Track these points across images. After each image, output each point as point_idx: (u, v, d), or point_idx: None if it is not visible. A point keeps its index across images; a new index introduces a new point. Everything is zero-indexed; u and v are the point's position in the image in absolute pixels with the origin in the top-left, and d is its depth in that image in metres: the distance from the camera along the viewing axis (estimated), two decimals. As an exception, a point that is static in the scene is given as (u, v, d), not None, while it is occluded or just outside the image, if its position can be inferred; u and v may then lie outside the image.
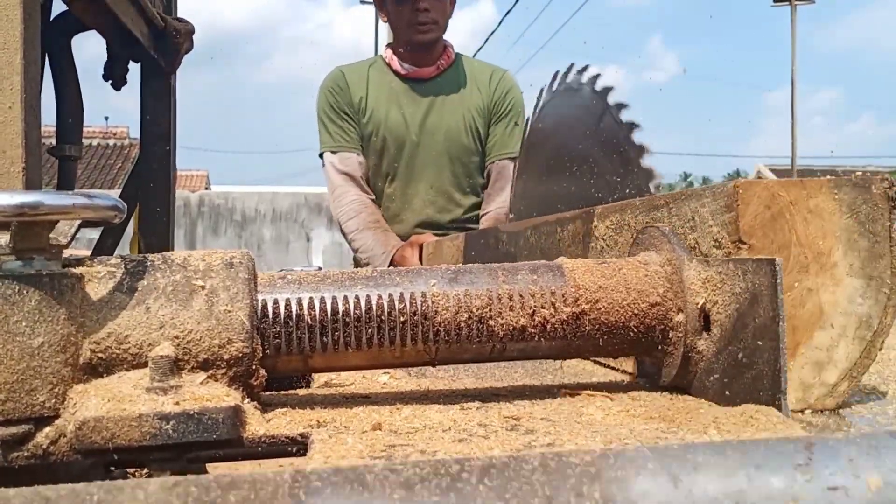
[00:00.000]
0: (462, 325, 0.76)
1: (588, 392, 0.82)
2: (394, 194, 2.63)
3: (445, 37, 2.65)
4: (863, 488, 0.45)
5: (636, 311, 0.79)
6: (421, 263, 2.36)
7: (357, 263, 2.71)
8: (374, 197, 2.64)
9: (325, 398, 0.83)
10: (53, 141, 1.71)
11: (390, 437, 0.64)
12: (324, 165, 2.65)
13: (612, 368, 1.04)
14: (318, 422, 0.70)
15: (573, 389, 0.83)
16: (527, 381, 0.94)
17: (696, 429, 0.66)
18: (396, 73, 2.61)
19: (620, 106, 1.42)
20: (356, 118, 2.59)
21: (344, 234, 2.65)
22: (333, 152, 2.59)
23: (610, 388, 0.85)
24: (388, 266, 2.45)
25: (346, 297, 0.75)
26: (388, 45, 2.70)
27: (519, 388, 0.89)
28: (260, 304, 0.73)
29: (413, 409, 0.75)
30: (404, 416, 0.72)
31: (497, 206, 2.56)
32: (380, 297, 0.76)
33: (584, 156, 1.54)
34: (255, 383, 0.71)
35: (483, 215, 2.64)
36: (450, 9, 2.63)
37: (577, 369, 1.06)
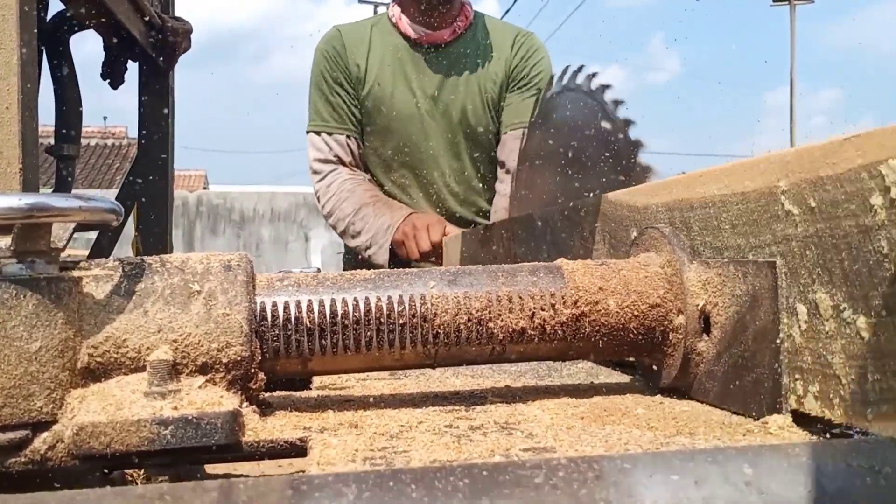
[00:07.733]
0: (461, 327, 0.76)
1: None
2: (401, 182, 2.20)
3: None
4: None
5: (636, 313, 0.79)
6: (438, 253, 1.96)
7: (349, 264, 2.30)
8: (370, 178, 2.24)
9: (325, 400, 0.83)
10: (51, 140, 1.71)
11: (388, 440, 0.64)
12: (308, 146, 2.23)
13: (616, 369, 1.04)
14: (317, 425, 0.70)
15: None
16: (530, 382, 0.94)
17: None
18: (406, 36, 2.16)
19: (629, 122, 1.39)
20: (353, 89, 2.17)
21: (338, 226, 2.18)
22: (318, 133, 2.19)
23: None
24: (393, 239, 2.02)
25: (344, 300, 0.75)
26: (395, 2, 2.24)
27: (518, 389, 0.88)
28: (258, 307, 0.73)
29: (412, 412, 0.75)
30: (404, 418, 0.72)
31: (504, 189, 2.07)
32: (378, 299, 0.75)
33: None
34: (253, 387, 0.71)
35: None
36: None
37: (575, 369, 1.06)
